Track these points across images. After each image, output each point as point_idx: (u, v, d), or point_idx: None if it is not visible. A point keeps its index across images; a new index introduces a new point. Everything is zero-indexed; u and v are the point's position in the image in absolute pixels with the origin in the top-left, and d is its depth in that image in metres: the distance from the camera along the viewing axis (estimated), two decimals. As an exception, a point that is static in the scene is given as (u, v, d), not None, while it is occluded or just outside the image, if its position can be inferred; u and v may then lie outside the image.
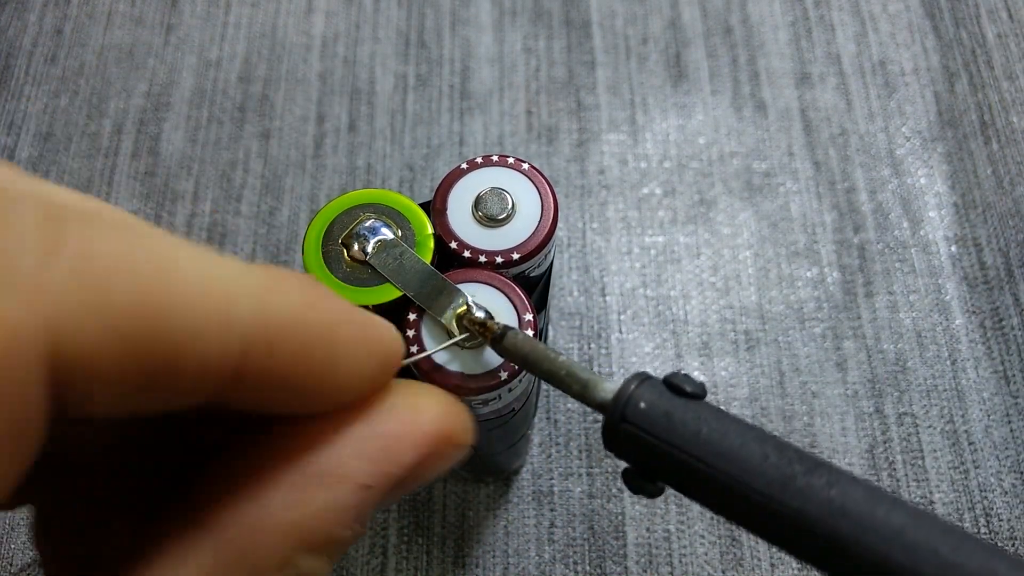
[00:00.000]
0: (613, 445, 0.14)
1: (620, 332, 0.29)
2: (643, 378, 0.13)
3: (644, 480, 0.13)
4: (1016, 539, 0.26)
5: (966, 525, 0.26)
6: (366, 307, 0.16)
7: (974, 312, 0.29)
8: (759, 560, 0.26)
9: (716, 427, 0.13)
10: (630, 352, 0.28)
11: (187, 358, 0.10)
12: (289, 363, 0.11)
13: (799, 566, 0.26)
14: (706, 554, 0.26)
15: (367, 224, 0.17)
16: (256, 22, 0.34)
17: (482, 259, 0.17)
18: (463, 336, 0.16)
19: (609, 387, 0.14)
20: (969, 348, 0.29)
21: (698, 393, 0.13)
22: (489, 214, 0.17)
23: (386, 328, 0.12)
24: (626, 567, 0.26)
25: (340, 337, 0.11)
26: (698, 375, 0.28)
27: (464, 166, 0.18)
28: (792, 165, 0.32)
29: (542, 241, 0.17)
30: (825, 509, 0.12)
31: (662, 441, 0.13)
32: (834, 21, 0.34)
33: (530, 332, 0.16)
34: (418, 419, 0.12)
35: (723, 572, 0.26)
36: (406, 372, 0.16)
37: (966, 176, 0.31)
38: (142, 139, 0.32)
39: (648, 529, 0.26)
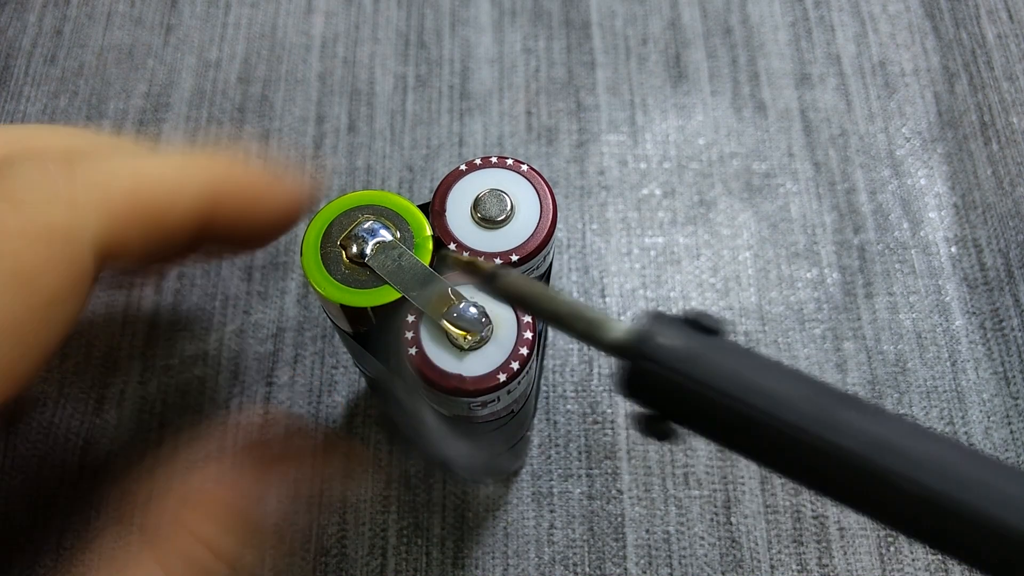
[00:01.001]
0: (634, 387, 0.12)
1: (620, 333, 0.29)
2: (659, 316, 0.12)
3: (663, 424, 0.12)
4: (1016, 540, 0.26)
5: (966, 526, 0.26)
6: (364, 309, 0.16)
7: (974, 313, 0.29)
8: (759, 561, 0.26)
9: (745, 362, 0.12)
10: (630, 353, 0.28)
11: (167, 219, 0.17)
12: (228, 209, 0.17)
13: (799, 567, 0.26)
14: (706, 555, 0.26)
15: (365, 226, 0.17)
16: (256, 23, 0.34)
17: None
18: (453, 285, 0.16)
19: (623, 326, 0.13)
20: (969, 349, 0.29)
21: (719, 328, 0.12)
22: (488, 216, 0.17)
23: (288, 182, 0.18)
24: (626, 568, 0.26)
25: (257, 191, 0.18)
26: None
27: (463, 167, 0.18)
28: (792, 166, 0.32)
29: (541, 243, 0.17)
30: (868, 444, 0.11)
31: (688, 378, 0.12)
32: (834, 22, 0.34)
33: (528, 334, 0.16)
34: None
35: (723, 573, 0.26)
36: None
37: (966, 177, 0.31)
38: (142, 140, 0.32)
39: (648, 530, 0.26)
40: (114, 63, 0.33)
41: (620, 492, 0.26)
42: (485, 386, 0.16)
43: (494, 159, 0.18)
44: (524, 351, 0.16)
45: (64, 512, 0.26)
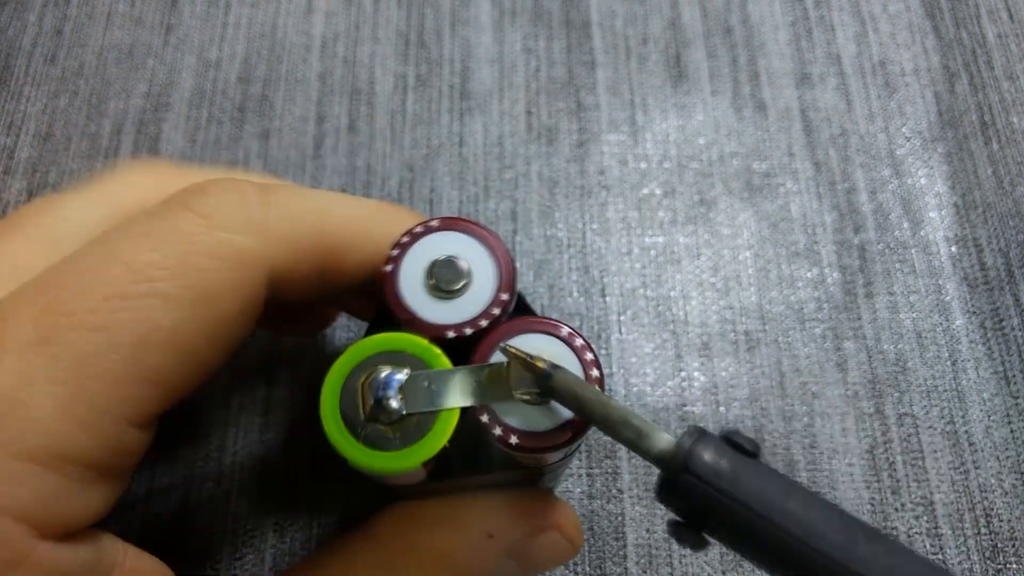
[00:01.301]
0: (670, 497, 0.13)
1: (620, 333, 0.29)
2: (701, 432, 0.13)
3: (695, 533, 0.13)
4: (1016, 540, 0.26)
5: (966, 526, 0.26)
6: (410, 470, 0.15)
7: (974, 313, 0.29)
8: (759, 561, 0.26)
9: (778, 486, 0.13)
10: (630, 353, 0.28)
11: (345, 262, 0.17)
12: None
13: (799, 567, 0.26)
14: (706, 555, 0.26)
15: (380, 379, 0.15)
16: (256, 22, 0.34)
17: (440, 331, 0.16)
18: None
19: (666, 437, 0.13)
20: (969, 349, 0.29)
21: (754, 451, 0.13)
22: (440, 284, 0.16)
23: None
24: (626, 568, 0.26)
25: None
26: (698, 376, 0.28)
27: (419, 229, 0.17)
28: (792, 165, 0.32)
29: (495, 317, 0.16)
30: (884, 574, 0.12)
31: (724, 496, 0.13)
32: (834, 21, 0.34)
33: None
34: (534, 505, 0.19)
35: (723, 573, 0.26)
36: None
37: (966, 176, 0.31)
38: (142, 139, 0.32)
39: (648, 530, 0.26)
40: (114, 63, 0.33)
41: (620, 491, 0.26)
42: (548, 444, 0.15)
43: (434, 223, 0.17)
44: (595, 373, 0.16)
45: None
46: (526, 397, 0.15)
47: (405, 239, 0.17)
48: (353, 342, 0.16)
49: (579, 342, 0.16)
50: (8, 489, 0.13)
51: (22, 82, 0.33)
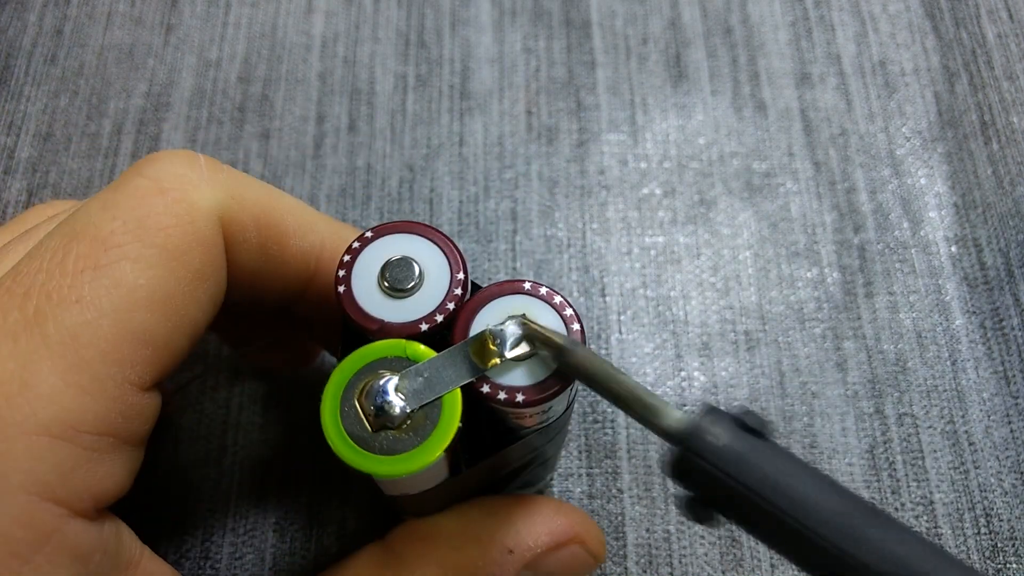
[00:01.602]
0: (680, 474, 0.13)
1: (620, 333, 0.29)
2: (713, 411, 0.13)
3: (705, 510, 0.13)
4: (1016, 539, 0.26)
5: (966, 526, 0.26)
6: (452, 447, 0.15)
7: (974, 312, 0.29)
8: (759, 561, 0.26)
9: (787, 469, 0.13)
10: (630, 353, 0.28)
11: (289, 244, 0.18)
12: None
13: (798, 569, 0.26)
14: (706, 555, 0.26)
15: (375, 388, 0.15)
16: (256, 22, 0.34)
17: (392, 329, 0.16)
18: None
19: (677, 415, 0.13)
20: (969, 348, 0.29)
21: (765, 432, 0.13)
22: (395, 284, 0.16)
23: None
24: (626, 567, 0.26)
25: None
26: (698, 375, 0.28)
27: (369, 234, 0.17)
28: (792, 165, 0.32)
29: (450, 312, 0.16)
30: (889, 563, 0.12)
31: (732, 478, 0.13)
32: (834, 21, 0.34)
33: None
34: (555, 518, 0.19)
35: (723, 573, 0.26)
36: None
37: (966, 176, 0.31)
38: (142, 139, 0.32)
39: (648, 530, 0.26)
40: (114, 63, 0.33)
41: (620, 491, 0.26)
42: (538, 396, 0.15)
43: (368, 233, 0.17)
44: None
45: None
46: (518, 354, 0.15)
47: (347, 257, 0.17)
48: (333, 368, 0.16)
49: (557, 299, 0.16)
50: (29, 465, 0.13)
51: (22, 82, 0.33)
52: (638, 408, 0.14)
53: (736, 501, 0.13)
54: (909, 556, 0.12)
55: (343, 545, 0.26)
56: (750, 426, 0.13)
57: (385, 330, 0.16)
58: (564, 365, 0.15)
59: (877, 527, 0.12)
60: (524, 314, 0.16)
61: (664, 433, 0.13)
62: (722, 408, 0.13)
